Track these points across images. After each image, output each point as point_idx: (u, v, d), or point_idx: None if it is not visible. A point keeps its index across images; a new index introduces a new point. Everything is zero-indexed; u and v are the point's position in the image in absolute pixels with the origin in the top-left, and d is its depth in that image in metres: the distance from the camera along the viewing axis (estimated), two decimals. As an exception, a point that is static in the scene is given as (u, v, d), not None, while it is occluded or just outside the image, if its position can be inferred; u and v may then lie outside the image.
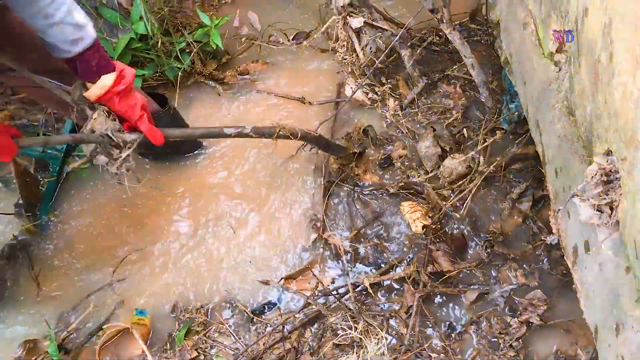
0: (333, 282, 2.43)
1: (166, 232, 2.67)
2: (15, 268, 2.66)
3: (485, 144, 2.57)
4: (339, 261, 2.47)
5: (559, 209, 1.89)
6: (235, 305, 2.44)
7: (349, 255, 2.47)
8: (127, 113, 2.01)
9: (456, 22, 2.89)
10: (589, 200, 1.55)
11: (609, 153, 1.47)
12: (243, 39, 3.24)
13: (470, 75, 2.65)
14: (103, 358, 2.37)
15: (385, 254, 2.47)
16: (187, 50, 3.03)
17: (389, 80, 2.91)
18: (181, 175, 2.83)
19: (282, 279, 2.46)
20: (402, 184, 2.61)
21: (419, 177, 2.61)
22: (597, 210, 1.54)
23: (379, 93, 2.87)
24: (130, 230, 2.69)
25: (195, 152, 2.89)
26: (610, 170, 1.48)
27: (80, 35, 1.87)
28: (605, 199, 1.51)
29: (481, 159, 2.53)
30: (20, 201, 2.75)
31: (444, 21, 2.41)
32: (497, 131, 2.65)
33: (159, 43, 2.90)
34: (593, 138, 1.57)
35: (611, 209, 1.52)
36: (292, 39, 3.18)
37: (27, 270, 2.64)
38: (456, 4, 2.79)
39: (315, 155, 2.73)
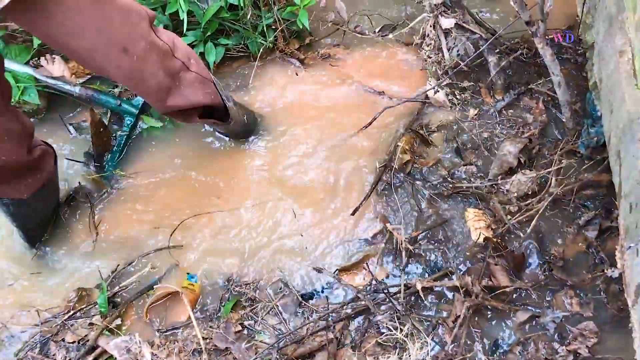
0: (387, 277, 2.43)
1: (231, 202, 2.70)
2: (76, 214, 2.72)
3: (560, 165, 2.53)
4: (396, 258, 2.46)
5: (629, 246, 1.85)
6: (285, 287, 2.46)
7: (407, 253, 2.45)
8: None
9: (549, 37, 2.83)
10: (663, 243, 1.52)
11: (694, 200, 1.44)
12: (329, 24, 3.22)
13: (555, 93, 2.60)
14: (150, 317, 2.42)
15: (442, 259, 2.45)
16: (273, 27, 3.04)
17: (471, 84, 2.87)
18: (249, 154, 2.85)
19: (336, 270, 2.47)
20: (465, 187, 2.59)
21: (480, 183, 2.58)
22: (671, 254, 1.51)
23: (459, 97, 2.84)
24: (196, 194, 2.73)
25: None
26: (693, 218, 1.45)
27: None
28: (681, 245, 1.48)
29: (553, 180, 2.49)
30: (91, 151, 2.81)
31: (538, 35, 2.36)
32: (571, 154, 2.60)
33: (248, 15, 2.91)
34: (678, 181, 1.53)
35: (686, 256, 1.49)
36: (378, 31, 3.16)
37: (87, 219, 2.70)
38: (553, 18, 2.73)
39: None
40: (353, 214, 2.58)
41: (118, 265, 2.57)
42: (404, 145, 2.71)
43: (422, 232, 2.51)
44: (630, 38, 2.09)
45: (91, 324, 2.42)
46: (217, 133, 2.87)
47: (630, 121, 1.95)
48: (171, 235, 2.60)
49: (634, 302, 1.83)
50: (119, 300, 2.48)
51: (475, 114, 2.79)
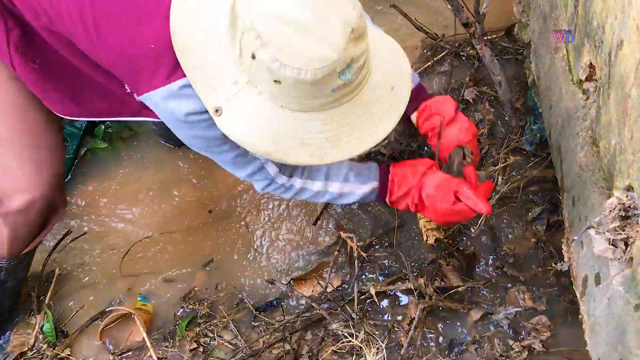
0: (342, 285, 2.43)
1: (184, 221, 2.68)
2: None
3: (505, 163, 2.56)
4: (351, 265, 2.46)
5: (573, 239, 1.88)
6: (240, 301, 2.44)
7: (360, 260, 2.45)
8: None
9: (491, 37, 2.87)
10: (604, 233, 1.54)
11: (629, 189, 1.46)
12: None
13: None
14: (104, 340, 2.38)
15: (395, 263, 2.46)
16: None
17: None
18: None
19: (290, 280, 2.47)
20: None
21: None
22: (612, 244, 1.53)
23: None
24: (147, 214, 2.70)
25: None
26: (630, 206, 1.47)
27: None
28: (621, 234, 1.50)
29: (499, 178, 2.52)
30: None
31: (476, 36, 2.38)
32: (517, 152, 2.63)
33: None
34: (615, 171, 1.55)
35: (626, 244, 1.51)
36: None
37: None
38: (493, 19, 2.77)
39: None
40: (314, 223, 2.57)
41: (56, 291, 2.52)
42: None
43: (375, 238, 2.52)
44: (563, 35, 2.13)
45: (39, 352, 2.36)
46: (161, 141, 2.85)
47: (568, 116, 1.98)
48: (122, 258, 2.57)
49: (582, 294, 1.85)
50: (70, 327, 2.44)
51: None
